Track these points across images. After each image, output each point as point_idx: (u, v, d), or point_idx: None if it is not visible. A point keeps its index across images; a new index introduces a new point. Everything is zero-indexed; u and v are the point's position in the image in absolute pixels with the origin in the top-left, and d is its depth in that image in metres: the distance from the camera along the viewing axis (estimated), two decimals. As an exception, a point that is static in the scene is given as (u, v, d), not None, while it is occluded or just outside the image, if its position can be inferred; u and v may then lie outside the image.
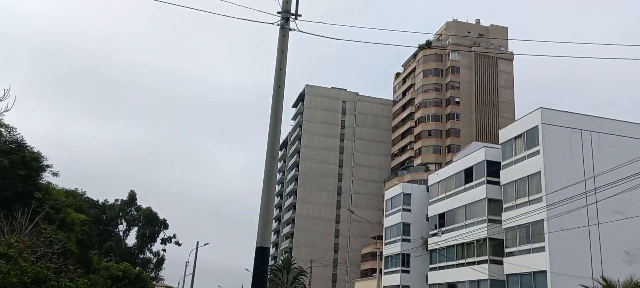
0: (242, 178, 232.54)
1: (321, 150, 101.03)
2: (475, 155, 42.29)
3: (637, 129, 34.80)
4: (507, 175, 37.06)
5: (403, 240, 51.45)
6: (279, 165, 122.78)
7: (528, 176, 34.59)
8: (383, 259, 46.58)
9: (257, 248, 8.58)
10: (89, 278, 39.33)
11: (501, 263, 37.15)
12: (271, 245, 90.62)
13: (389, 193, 57.34)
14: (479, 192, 40.83)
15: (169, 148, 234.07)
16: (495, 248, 38.90)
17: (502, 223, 37.03)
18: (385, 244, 52.14)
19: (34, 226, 19.76)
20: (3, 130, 34.05)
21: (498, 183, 38.82)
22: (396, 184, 58.78)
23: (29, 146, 35.05)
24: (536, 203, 33.17)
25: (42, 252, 19.13)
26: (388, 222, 55.50)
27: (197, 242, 37.09)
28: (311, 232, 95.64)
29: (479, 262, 39.63)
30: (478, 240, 40.22)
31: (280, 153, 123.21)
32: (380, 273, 42.78)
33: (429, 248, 47.84)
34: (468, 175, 42.84)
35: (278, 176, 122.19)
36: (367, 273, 79.15)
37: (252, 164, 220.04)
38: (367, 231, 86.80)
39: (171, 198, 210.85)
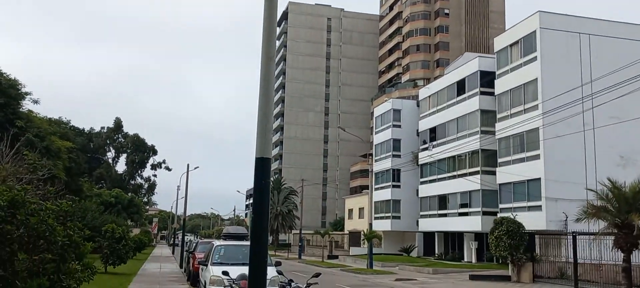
0: (228, 107, 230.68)
1: (307, 70, 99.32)
2: (468, 66, 41.37)
3: (637, 30, 33.83)
4: (502, 84, 36.38)
5: (393, 155, 51.41)
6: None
7: (524, 84, 33.92)
8: (373, 175, 46.57)
9: (256, 159, 7.66)
10: (80, 204, 39.02)
11: (493, 173, 37.24)
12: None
13: (378, 110, 56.75)
14: (471, 103, 40.29)
15: (155, 77, 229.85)
16: (488, 159, 38.89)
17: (496, 134, 36.77)
18: (376, 161, 52.10)
19: (15, 153, 18.78)
20: (-26, 56, 32.21)
21: (491, 93, 38.21)
22: (385, 101, 58.08)
23: (5, 73, 33.46)
24: (532, 111, 32.72)
25: (27, 179, 18.31)
26: (378, 138, 55.26)
27: (188, 165, 36.58)
28: (300, 152, 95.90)
29: (471, 174, 39.76)
30: (470, 152, 40.15)
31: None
32: (370, 189, 43.00)
33: (419, 163, 47.90)
34: (460, 87, 42.12)
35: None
36: (356, 191, 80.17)
37: (238, 94, 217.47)
38: (356, 150, 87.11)
39: (158, 126, 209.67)
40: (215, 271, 13.71)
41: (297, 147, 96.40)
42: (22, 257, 7.32)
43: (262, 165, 7.61)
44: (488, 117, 38.91)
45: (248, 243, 17.20)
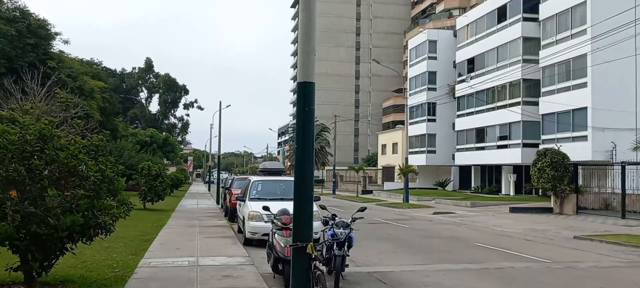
0: (259, 46, 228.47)
1: (337, 3, 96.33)
2: (509, -9, 38.94)
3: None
4: (547, 9, 34.15)
5: (429, 89, 49.97)
6: (294, 23, 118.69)
7: (572, 7, 31.71)
8: (408, 110, 45.39)
9: (298, 83, 6.85)
10: (117, 143, 39.52)
11: (535, 104, 35.66)
12: (292, 104, 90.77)
13: (412, 42, 54.81)
14: (513, 31, 38.20)
15: (183, 18, 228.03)
16: (530, 90, 37.20)
17: (539, 62, 34.90)
18: (410, 95, 50.73)
19: (47, 91, 18.54)
20: (3, -3, 31.96)
21: (535, 19, 36.04)
22: (420, 32, 55.93)
23: (33, 13, 33.19)
24: (579, 36, 30.72)
25: (62, 117, 18.14)
26: (412, 72, 53.65)
27: (220, 102, 36.21)
28: (331, 89, 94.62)
29: (511, 105, 38.23)
30: (511, 83, 38.44)
31: (293, 11, 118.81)
32: (404, 124, 41.97)
33: (456, 96, 46.39)
34: (501, 14, 39.89)
35: (292, 35, 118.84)
36: (389, 126, 79.15)
37: (270, 36, 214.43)
38: (388, 85, 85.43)
39: (189, 66, 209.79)
40: (253, 206, 13.34)
41: (329, 83, 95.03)
42: (53, 193, 6.89)
43: (304, 89, 6.85)
44: (531, 45, 36.90)
45: (285, 178, 16.77)
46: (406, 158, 37.79)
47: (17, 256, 7.17)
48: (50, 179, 7.22)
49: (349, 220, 9.35)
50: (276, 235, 8.98)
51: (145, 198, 23.98)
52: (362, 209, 9.80)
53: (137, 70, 79.71)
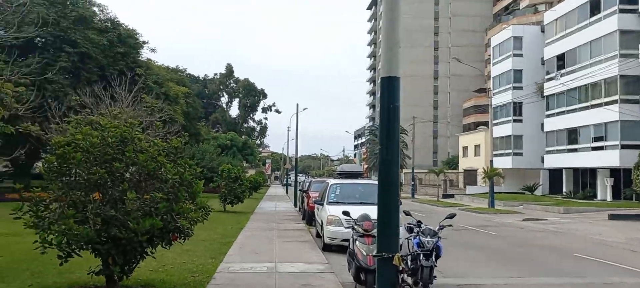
0: (333, 50, 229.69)
1: (414, 3, 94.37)
2: (603, -20, 36.06)
3: None
4: (648, -2, 31.26)
5: (514, 88, 47.48)
6: (370, 24, 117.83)
7: (679, -6, 28.80)
8: (492, 110, 43.31)
9: (382, 79, 6.22)
10: (199, 147, 40.78)
11: (636, 102, 32.71)
12: (369, 106, 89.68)
13: (495, 40, 52.38)
14: (608, 24, 35.30)
15: (261, 24, 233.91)
16: (628, 86, 34.23)
17: (640, 57, 31.99)
18: (494, 94, 48.42)
19: (134, 96, 19.18)
20: (96, 9, 33.84)
21: (634, 11, 33.09)
22: (503, 28, 53.36)
23: (123, 23, 34.89)
24: (689, 26, 27.78)
25: (148, 121, 18.66)
26: (496, 70, 51.25)
27: (297, 105, 36.32)
28: (409, 90, 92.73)
29: (607, 103, 35.32)
30: (606, 80, 35.52)
31: (369, 13, 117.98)
32: (486, 125, 39.98)
33: (544, 94, 43.65)
34: (594, 6, 37.01)
35: (369, 37, 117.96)
36: (470, 128, 76.28)
37: (345, 39, 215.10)
38: (468, 85, 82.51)
39: (266, 71, 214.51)
40: (332, 210, 12.91)
41: (406, 84, 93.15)
42: (132, 196, 6.78)
43: (389, 85, 6.27)
44: (629, 38, 33.91)
45: (364, 181, 16.23)
46: (491, 161, 35.98)
47: (99, 260, 7.15)
48: (131, 182, 7.16)
49: (436, 228, 8.65)
50: (358, 242, 8.45)
51: (225, 200, 24.33)
52: (451, 216, 9.04)
53: (218, 76, 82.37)
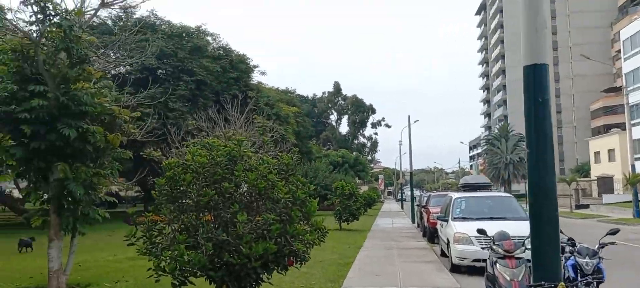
0: (441, 61, 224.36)
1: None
2: None
3: None
4: None
5: (653, 82, 42.22)
6: (479, 30, 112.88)
7: None
8: (627, 109, 38.62)
9: (525, 68, 5.02)
10: (312, 165, 40.92)
11: None
12: (483, 115, 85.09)
13: (626, 32, 47.24)
14: None
15: (365, 37, 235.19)
16: None
17: None
18: (629, 91, 43.33)
19: (246, 118, 19.32)
20: (209, 38, 35.41)
21: None
22: (635, 19, 47.96)
23: (234, 50, 36.19)
24: None
25: (259, 143, 18.64)
26: (628, 66, 46.10)
27: (409, 117, 34.92)
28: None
29: None
30: None
31: (479, 18, 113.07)
32: (620, 127, 35.59)
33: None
34: None
35: (479, 43, 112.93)
36: (599, 131, 69.43)
37: (452, 48, 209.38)
38: (594, 85, 75.60)
39: (374, 85, 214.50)
40: (459, 227, 11.63)
41: (522, 89, 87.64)
42: (243, 218, 6.21)
43: (534, 74, 5.02)
44: None
45: (493, 194, 14.67)
46: (632, 166, 31.92)
47: (213, 286, 6.66)
48: (241, 203, 6.63)
49: (596, 247, 7.15)
50: (498, 265, 7.21)
51: (340, 218, 23.73)
52: (613, 232, 7.46)
53: (326, 95, 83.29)
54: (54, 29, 8.99)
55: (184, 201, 6.67)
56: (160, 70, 31.90)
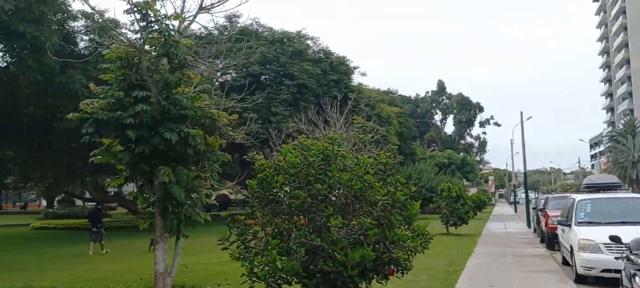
0: (552, 54, 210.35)
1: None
2: None
3: None
4: None
5: None
6: (598, 18, 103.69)
7: None
8: None
9: None
10: (416, 167, 39.79)
11: None
12: (605, 110, 78.07)
13: None
14: None
15: (472, 32, 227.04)
16: None
17: None
18: None
19: (346, 118, 18.99)
20: (309, 42, 35.75)
21: None
22: None
23: (334, 52, 36.21)
24: None
25: (360, 142, 18.24)
26: None
27: (521, 113, 32.50)
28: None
29: None
30: None
31: (596, 5, 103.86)
32: None
33: None
34: None
35: (598, 32, 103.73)
36: None
37: (564, 41, 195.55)
38: None
39: (481, 82, 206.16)
40: (585, 233, 10.29)
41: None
42: (336, 222, 5.76)
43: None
44: None
45: (624, 195, 12.97)
46: None
47: (308, 295, 6.27)
48: (335, 206, 6.18)
49: None
50: (638, 278, 6.09)
51: (447, 222, 22.59)
52: None
53: (430, 94, 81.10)
54: (156, 35, 9.21)
55: (276, 204, 6.37)
56: (263, 76, 32.72)
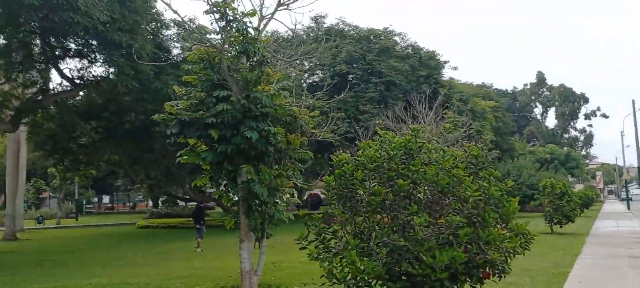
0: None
1: None
2: None
3: None
4: None
5: None
6: None
7: None
8: None
9: None
10: (515, 163, 37.59)
11: None
12: None
13: None
14: None
15: (573, 18, 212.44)
16: None
17: None
18: None
19: (436, 114, 18.15)
20: (397, 38, 34.97)
21: None
22: None
23: (423, 48, 35.16)
24: None
25: (452, 138, 17.38)
26: None
27: (633, 102, 29.51)
28: None
29: None
30: None
31: None
32: None
33: None
34: None
35: None
36: None
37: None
38: None
39: (586, 71, 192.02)
40: None
41: None
42: (420, 221, 5.23)
43: None
44: None
45: None
46: None
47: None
48: (420, 203, 5.64)
49: None
50: None
51: (551, 220, 20.92)
52: None
53: (528, 86, 76.71)
54: (235, 34, 9.16)
55: (356, 201, 5.95)
56: (350, 75, 32.47)
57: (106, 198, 71.36)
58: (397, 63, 31.70)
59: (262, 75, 9.38)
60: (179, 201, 49.94)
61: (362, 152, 6.04)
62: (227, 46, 9.50)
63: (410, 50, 34.40)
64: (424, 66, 33.37)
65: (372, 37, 33.37)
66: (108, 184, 53.98)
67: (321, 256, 5.88)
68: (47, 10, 12.99)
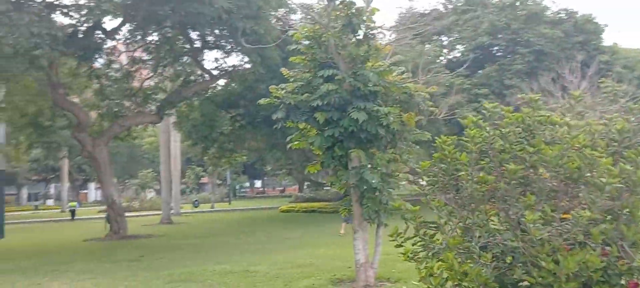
0: None
1: None
2: None
3: None
4: None
5: None
6: None
7: None
8: None
9: None
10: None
11: None
12: None
13: None
14: None
15: None
16: None
17: None
18: None
19: (590, 84, 15.69)
20: (546, 2, 31.50)
21: None
22: None
23: (575, 11, 31.31)
24: None
25: (610, 110, 14.90)
26: None
27: None
28: None
29: None
30: None
31: None
32: None
33: None
34: None
35: None
36: None
37: None
38: None
39: None
40: None
41: None
42: (532, 218, 4.10)
43: None
44: None
45: None
46: None
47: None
48: (541, 193, 4.46)
49: None
50: None
51: None
52: None
53: None
54: (340, 5, 8.53)
55: (459, 191, 4.94)
56: (494, 47, 30.03)
57: (258, 183, 75.79)
58: (547, 30, 28.46)
59: (369, 50, 8.62)
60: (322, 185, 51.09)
61: (466, 132, 5.01)
62: (332, 22, 8.89)
63: (562, 15, 30.69)
64: (580, 31, 29.55)
65: (518, 4, 30.35)
66: (258, 169, 57.14)
67: (418, 256, 5.02)
68: (174, 2, 13.60)
